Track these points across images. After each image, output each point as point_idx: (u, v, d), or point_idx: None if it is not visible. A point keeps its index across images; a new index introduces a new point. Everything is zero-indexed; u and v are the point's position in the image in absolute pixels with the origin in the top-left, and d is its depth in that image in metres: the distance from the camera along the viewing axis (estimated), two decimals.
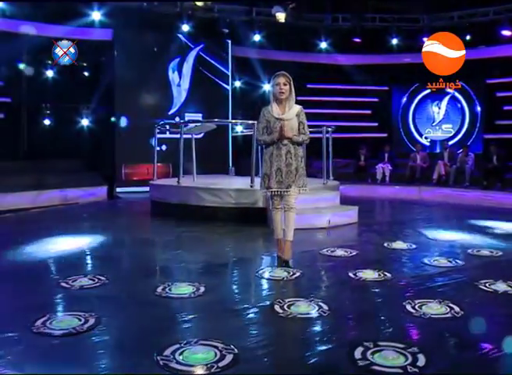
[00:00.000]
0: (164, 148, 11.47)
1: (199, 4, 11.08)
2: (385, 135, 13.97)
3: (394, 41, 13.14)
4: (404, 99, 13.78)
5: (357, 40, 13.20)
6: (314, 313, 3.08)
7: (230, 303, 3.31)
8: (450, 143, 12.63)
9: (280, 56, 13.39)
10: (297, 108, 4.28)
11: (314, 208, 6.81)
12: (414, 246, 5.20)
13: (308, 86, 13.86)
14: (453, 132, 13.13)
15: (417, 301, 3.28)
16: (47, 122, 11.59)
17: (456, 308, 3.16)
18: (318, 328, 2.89)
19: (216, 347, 2.55)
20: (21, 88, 11.18)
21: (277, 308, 3.15)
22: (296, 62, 13.33)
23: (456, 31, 12.42)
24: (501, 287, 3.67)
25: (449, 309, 3.15)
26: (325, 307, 3.16)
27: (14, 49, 10.46)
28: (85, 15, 11.10)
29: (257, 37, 13.09)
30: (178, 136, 7.84)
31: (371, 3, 13.07)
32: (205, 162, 9.33)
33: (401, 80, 13.74)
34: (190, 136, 8.33)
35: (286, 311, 3.10)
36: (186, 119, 11.54)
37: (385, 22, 13.23)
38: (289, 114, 4.23)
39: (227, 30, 12.53)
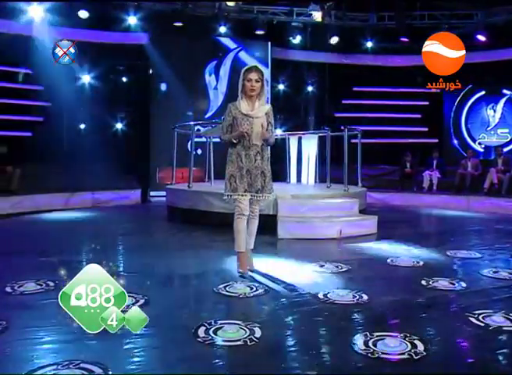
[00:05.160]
0: (199, 152, 11.26)
1: (230, 4, 10.78)
2: (435, 141, 12.96)
3: None
4: (457, 102, 12.70)
5: (405, 39, 12.36)
6: (240, 341, 2.58)
7: (153, 322, 2.87)
8: (506, 149, 11.46)
9: (323, 58, 12.86)
10: (268, 106, 4.02)
11: (327, 217, 6.25)
12: (420, 263, 4.51)
13: (354, 89, 13.22)
14: (510, 137, 11.91)
15: (375, 335, 2.67)
16: (84, 125, 11.74)
17: (420, 347, 2.53)
18: (231, 361, 2.39)
19: (93, 372, 2.17)
20: (60, 93, 11.40)
21: (201, 331, 2.69)
22: (341, 64, 12.74)
23: None
24: (497, 320, 2.95)
25: (410, 347, 2.54)
26: (257, 334, 2.66)
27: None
28: (121, 19, 11.17)
29: (298, 38, 12.63)
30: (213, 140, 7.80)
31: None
32: None
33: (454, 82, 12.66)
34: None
35: (208, 336, 2.63)
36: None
37: (435, 19, 12.29)
38: (259, 111, 3.92)
39: (266, 32, 12.16)
